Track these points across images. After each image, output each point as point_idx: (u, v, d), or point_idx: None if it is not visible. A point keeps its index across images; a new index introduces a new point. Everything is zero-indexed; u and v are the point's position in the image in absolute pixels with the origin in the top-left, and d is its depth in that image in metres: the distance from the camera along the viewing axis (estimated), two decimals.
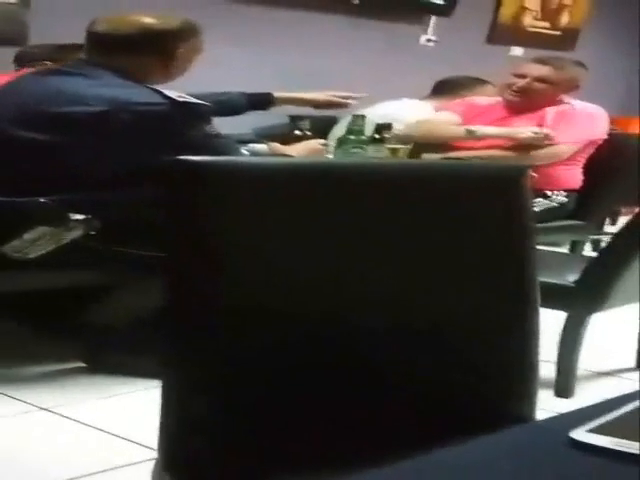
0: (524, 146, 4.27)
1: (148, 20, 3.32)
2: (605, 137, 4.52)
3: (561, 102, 4.49)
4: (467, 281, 1.58)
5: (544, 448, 1.06)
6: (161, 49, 3.29)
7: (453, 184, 1.60)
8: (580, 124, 4.42)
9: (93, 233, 3.12)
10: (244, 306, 1.44)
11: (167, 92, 3.17)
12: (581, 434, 1.06)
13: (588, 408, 1.18)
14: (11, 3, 4.73)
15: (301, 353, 1.47)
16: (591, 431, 1.07)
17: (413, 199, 1.55)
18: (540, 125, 4.37)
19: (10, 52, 4.29)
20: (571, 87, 4.49)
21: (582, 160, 4.53)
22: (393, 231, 1.53)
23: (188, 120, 3.17)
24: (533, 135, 4.27)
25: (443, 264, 1.57)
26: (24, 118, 3.18)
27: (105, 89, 3.17)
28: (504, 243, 1.60)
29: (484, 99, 4.65)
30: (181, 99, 3.16)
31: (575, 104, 4.50)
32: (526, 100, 4.44)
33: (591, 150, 4.52)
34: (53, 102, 3.16)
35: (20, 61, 4.18)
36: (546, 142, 4.29)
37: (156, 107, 3.14)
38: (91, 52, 3.31)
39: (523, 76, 4.44)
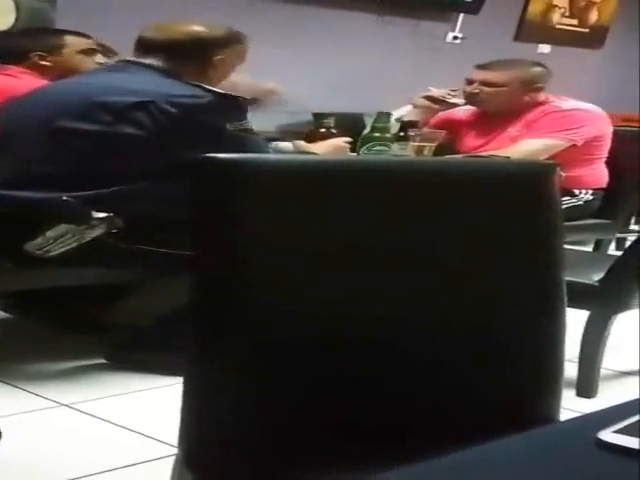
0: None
1: (192, 27, 3.43)
2: (604, 134, 4.47)
3: (545, 103, 4.46)
4: (494, 280, 1.57)
5: (571, 449, 1.05)
6: (202, 55, 3.38)
7: (482, 182, 1.59)
8: (563, 122, 4.38)
9: (115, 231, 3.14)
10: (270, 304, 1.43)
11: (206, 86, 3.25)
12: (608, 435, 1.05)
13: (614, 408, 1.17)
14: (39, 1, 4.76)
15: (327, 352, 1.47)
16: (618, 432, 1.06)
17: (441, 197, 1.54)
18: (525, 128, 4.38)
19: None
20: (530, 87, 4.44)
21: (603, 158, 4.51)
22: (421, 229, 1.53)
23: (228, 112, 3.22)
24: None
25: (470, 262, 1.56)
26: (66, 109, 3.23)
27: (148, 83, 3.24)
28: (533, 241, 1.59)
29: (462, 110, 4.65)
30: (222, 92, 3.23)
31: (562, 104, 4.46)
32: (493, 106, 4.45)
33: (604, 147, 4.48)
34: (100, 94, 3.21)
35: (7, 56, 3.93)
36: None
37: (199, 99, 3.20)
38: (138, 54, 3.39)
39: (471, 82, 4.45)
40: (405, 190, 1.52)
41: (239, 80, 3.64)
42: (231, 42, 3.44)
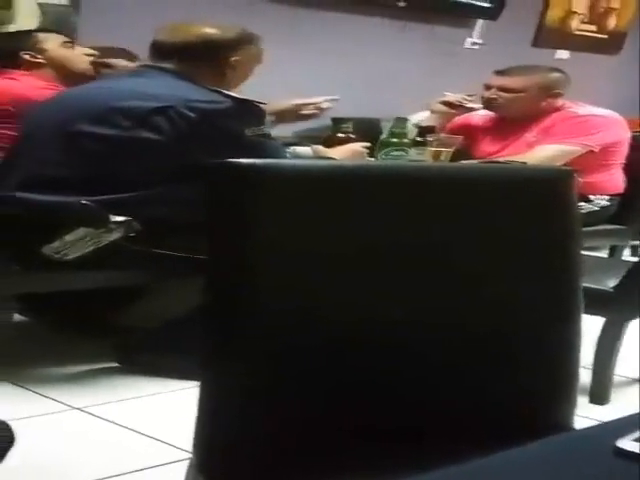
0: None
1: (205, 29, 3.42)
2: (621, 140, 4.48)
3: (562, 109, 4.47)
4: (511, 284, 1.57)
5: (589, 457, 1.05)
6: (216, 57, 3.38)
7: (500, 187, 1.59)
8: (580, 128, 4.38)
9: (133, 235, 3.15)
10: (284, 308, 1.43)
11: (225, 91, 3.26)
12: (627, 443, 1.05)
13: (632, 417, 1.17)
14: (63, 5, 4.80)
15: (341, 354, 1.47)
16: (637, 440, 1.05)
17: (458, 202, 1.55)
18: (542, 134, 4.38)
19: None
20: (548, 93, 4.45)
21: (620, 164, 4.52)
22: (438, 234, 1.53)
23: (246, 118, 3.23)
24: None
25: (487, 267, 1.56)
26: (85, 113, 3.25)
27: (167, 88, 3.25)
28: (550, 247, 1.59)
29: (478, 116, 4.66)
30: (240, 97, 3.23)
31: (579, 109, 4.47)
32: (511, 111, 4.46)
33: (621, 153, 4.49)
34: (119, 99, 3.23)
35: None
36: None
37: (218, 104, 3.21)
38: (154, 58, 3.41)
39: (489, 87, 4.47)
40: (422, 195, 1.52)
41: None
42: (244, 43, 3.44)
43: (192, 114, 3.16)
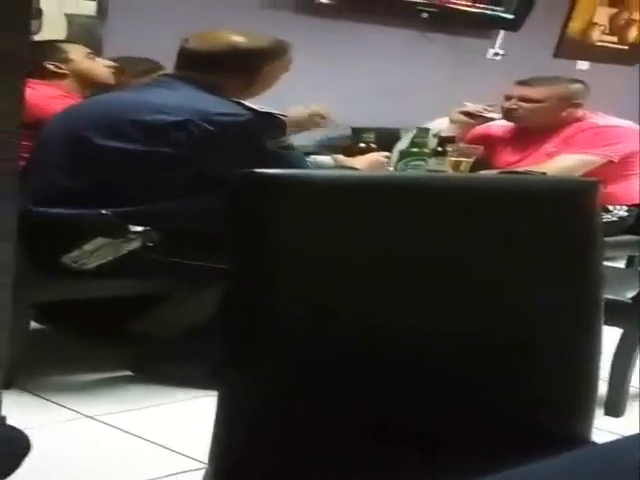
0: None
1: (237, 38, 3.38)
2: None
3: (582, 119, 4.49)
4: (531, 295, 1.57)
5: (614, 472, 1.00)
6: (248, 67, 3.35)
7: (522, 198, 1.59)
8: (599, 139, 4.39)
9: (151, 244, 3.15)
10: (303, 316, 1.43)
11: (247, 103, 3.23)
12: None
13: None
14: (89, 16, 4.86)
15: (358, 363, 1.46)
16: None
17: (481, 213, 1.55)
18: (561, 145, 4.40)
19: None
20: (568, 104, 4.47)
21: (638, 174, 4.54)
22: (459, 244, 1.53)
23: (267, 131, 3.21)
24: None
25: (506, 277, 1.55)
26: (105, 127, 3.23)
27: (186, 100, 3.22)
28: (572, 258, 1.59)
29: (497, 126, 4.68)
30: (262, 109, 3.21)
31: (599, 120, 4.48)
32: (531, 121, 4.47)
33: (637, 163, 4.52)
34: (137, 111, 3.22)
35: None
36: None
37: (238, 117, 3.19)
38: (181, 67, 3.38)
39: (509, 98, 4.49)
40: (442, 205, 1.52)
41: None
42: (278, 53, 3.42)
43: (211, 127, 3.15)
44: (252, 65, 3.36)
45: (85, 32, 4.75)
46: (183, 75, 3.35)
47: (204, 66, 3.31)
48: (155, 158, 3.17)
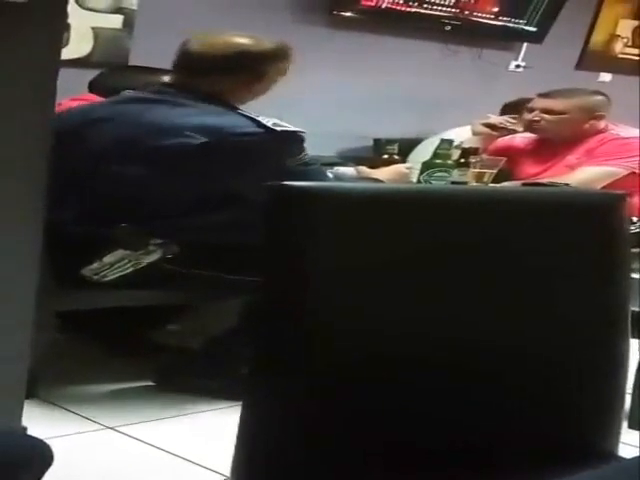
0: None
1: (243, 41, 3.34)
2: None
3: (605, 131, 4.49)
4: (560, 309, 1.57)
5: None
6: (253, 70, 3.31)
7: (550, 211, 1.59)
8: (622, 150, 4.38)
9: (170, 256, 3.16)
10: (334, 330, 1.43)
11: (262, 120, 3.18)
12: None
13: None
14: (116, 29, 4.91)
15: (391, 376, 1.46)
16: None
17: (508, 225, 1.55)
18: (584, 156, 4.41)
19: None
20: (590, 115, 4.47)
21: None
22: (487, 257, 1.53)
23: (283, 149, 3.19)
24: None
25: (536, 290, 1.55)
26: (118, 151, 3.20)
27: (200, 118, 3.18)
28: (600, 270, 1.58)
29: (520, 138, 4.69)
30: (277, 128, 3.17)
31: (621, 132, 4.48)
32: (554, 133, 4.48)
33: None
34: (150, 135, 3.17)
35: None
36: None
37: (253, 137, 3.16)
38: (182, 72, 3.33)
39: (532, 110, 4.50)
40: (473, 218, 1.53)
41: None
42: (282, 57, 3.37)
43: (227, 148, 3.14)
44: (257, 68, 3.32)
45: (112, 44, 4.80)
46: (185, 82, 3.29)
47: (209, 70, 3.27)
48: (175, 178, 3.18)
